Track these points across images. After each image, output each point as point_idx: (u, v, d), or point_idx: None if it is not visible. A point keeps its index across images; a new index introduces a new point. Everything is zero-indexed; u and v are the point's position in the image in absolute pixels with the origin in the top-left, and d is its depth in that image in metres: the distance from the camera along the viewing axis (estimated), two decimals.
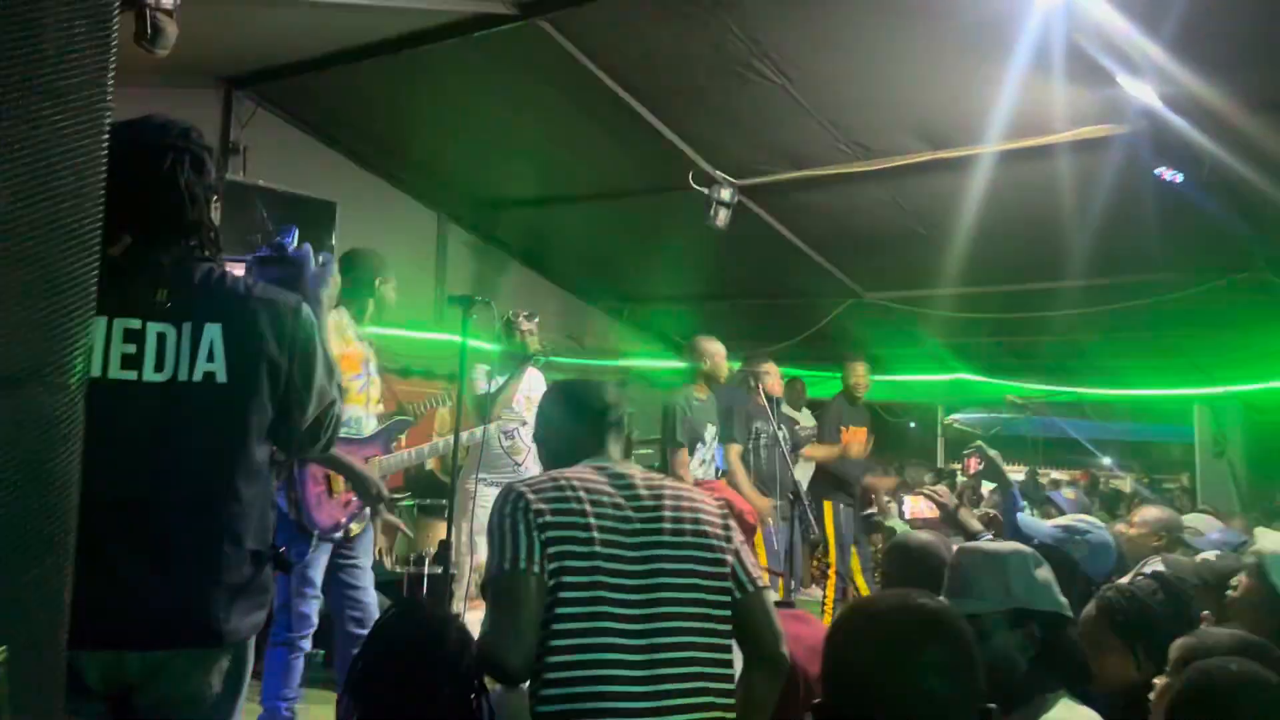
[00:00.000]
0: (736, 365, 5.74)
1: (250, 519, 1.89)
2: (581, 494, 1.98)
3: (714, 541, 2.03)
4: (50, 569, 1.11)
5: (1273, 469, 8.30)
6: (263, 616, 1.95)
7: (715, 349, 5.49)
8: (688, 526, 2.01)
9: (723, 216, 5.82)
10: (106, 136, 1.04)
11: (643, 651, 1.90)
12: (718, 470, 5.90)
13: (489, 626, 1.88)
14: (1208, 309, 5.96)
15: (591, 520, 1.95)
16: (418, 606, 2.47)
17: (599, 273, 7.81)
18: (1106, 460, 13.26)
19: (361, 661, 2.00)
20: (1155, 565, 2.86)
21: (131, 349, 1.82)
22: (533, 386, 4.45)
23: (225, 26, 4.94)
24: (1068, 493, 8.45)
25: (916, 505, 5.64)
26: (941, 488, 3.60)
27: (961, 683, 1.20)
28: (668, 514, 2.01)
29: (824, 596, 6.24)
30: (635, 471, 2.09)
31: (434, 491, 5.78)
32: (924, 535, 3.08)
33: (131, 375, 1.82)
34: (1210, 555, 2.77)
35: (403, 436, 3.96)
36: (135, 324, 1.83)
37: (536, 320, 4.45)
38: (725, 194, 5.86)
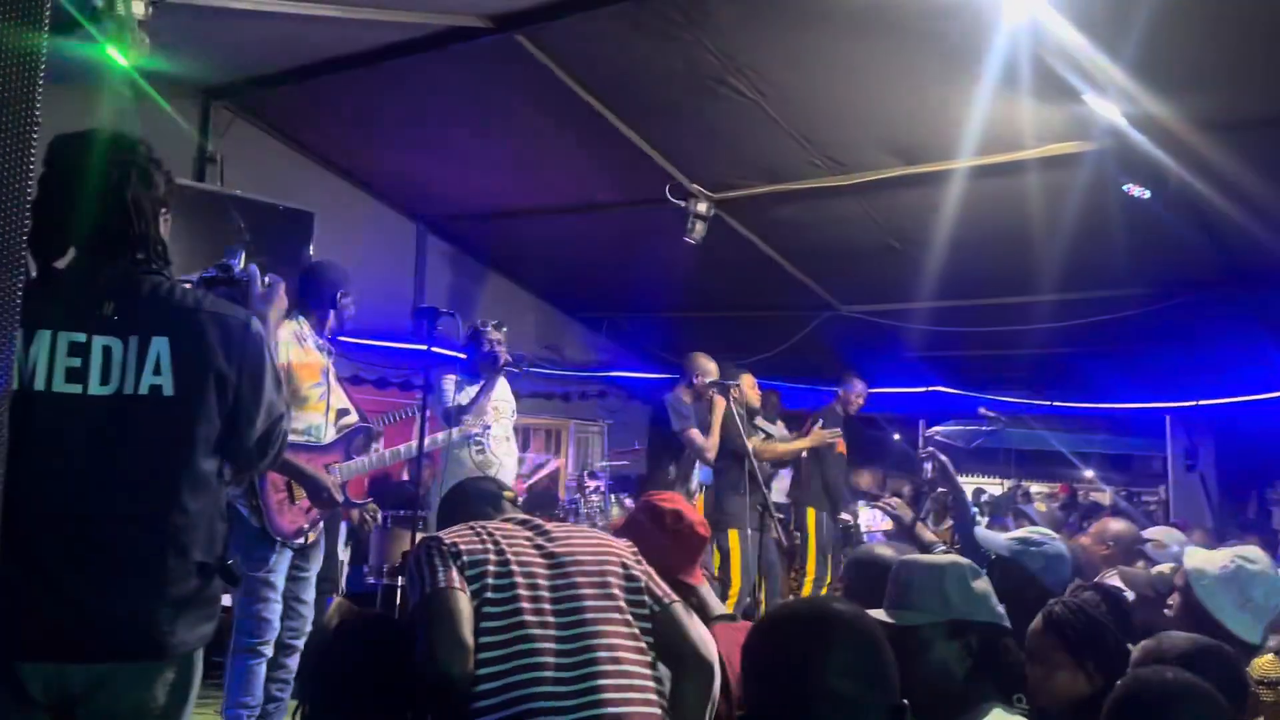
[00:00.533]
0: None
1: (197, 531, 1.89)
2: (493, 529, 2.09)
3: (626, 561, 2.12)
4: None
5: (1244, 482, 8.36)
6: (211, 628, 1.95)
7: (710, 368, 5.56)
8: (600, 549, 2.12)
9: (699, 230, 5.88)
10: (34, 154, 1.05)
11: (573, 669, 1.93)
12: (701, 485, 5.93)
13: (425, 643, 1.91)
14: (1177, 323, 6.02)
15: (505, 548, 2.04)
16: (366, 616, 2.50)
17: (578, 284, 7.83)
18: (1089, 473, 13.31)
19: (316, 670, 2.01)
20: (1111, 577, 2.90)
21: (76, 362, 1.82)
22: (501, 395, 4.47)
23: (202, 37, 4.96)
24: (1039, 506, 8.49)
25: (872, 517, 5.65)
26: (896, 499, 3.60)
27: (869, 683, 1.22)
28: (578, 542, 2.13)
29: None
30: (536, 519, 2.24)
31: (408, 503, 5.77)
32: (885, 548, 3.10)
33: (76, 389, 1.82)
34: (1165, 568, 2.80)
35: (378, 444, 3.96)
36: (80, 338, 1.83)
37: (505, 330, 4.47)
38: (701, 207, 5.91)
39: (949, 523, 4.60)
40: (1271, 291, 5.61)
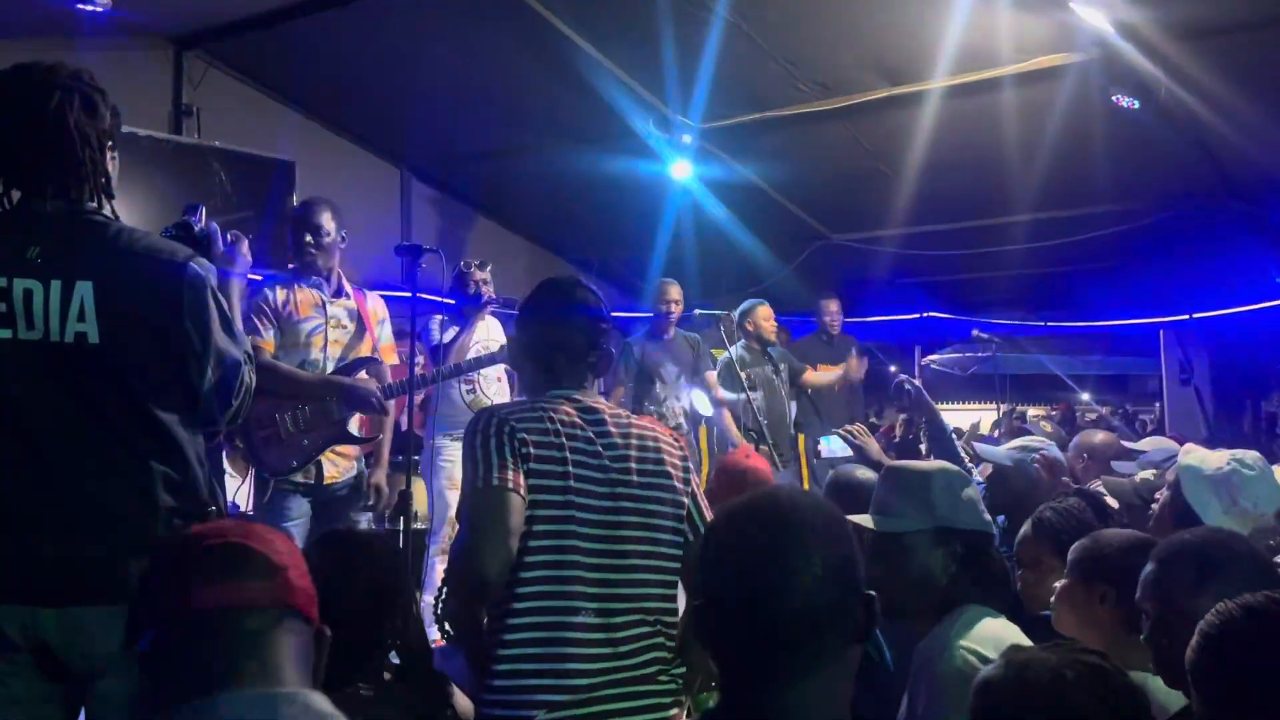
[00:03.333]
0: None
1: (160, 476, 1.84)
2: (559, 426, 1.97)
3: (674, 484, 2.04)
4: None
5: (1239, 394, 8.39)
6: None
7: (669, 293, 5.56)
8: (650, 468, 2.02)
9: (685, 163, 5.84)
10: None
11: (601, 585, 1.92)
12: (684, 412, 5.92)
13: (466, 538, 1.86)
14: (1169, 236, 5.99)
15: (568, 454, 1.95)
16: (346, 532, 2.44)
17: (565, 223, 7.75)
18: (1084, 395, 13.38)
19: None
20: (1095, 486, 2.92)
21: (3, 307, 1.77)
22: (490, 335, 4.44)
23: None
24: (1045, 426, 8.52)
25: (831, 444, 5.61)
26: (858, 426, 3.59)
27: (837, 570, 1.18)
28: (634, 454, 2.02)
29: None
30: (603, 406, 2.08)
31: (400, 447, 5.76)
32: (863, 470, 3.11)
33: (7, 334, 1.78)
34: (1149, 474, 2.81)
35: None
36: (1, 282, 1.77)
37: (489, 269, 4.41)
38: (687, 138, 5.85)
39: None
40: (1263, 199, 5.58)
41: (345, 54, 5.71)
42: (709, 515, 2.05)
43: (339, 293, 3.69)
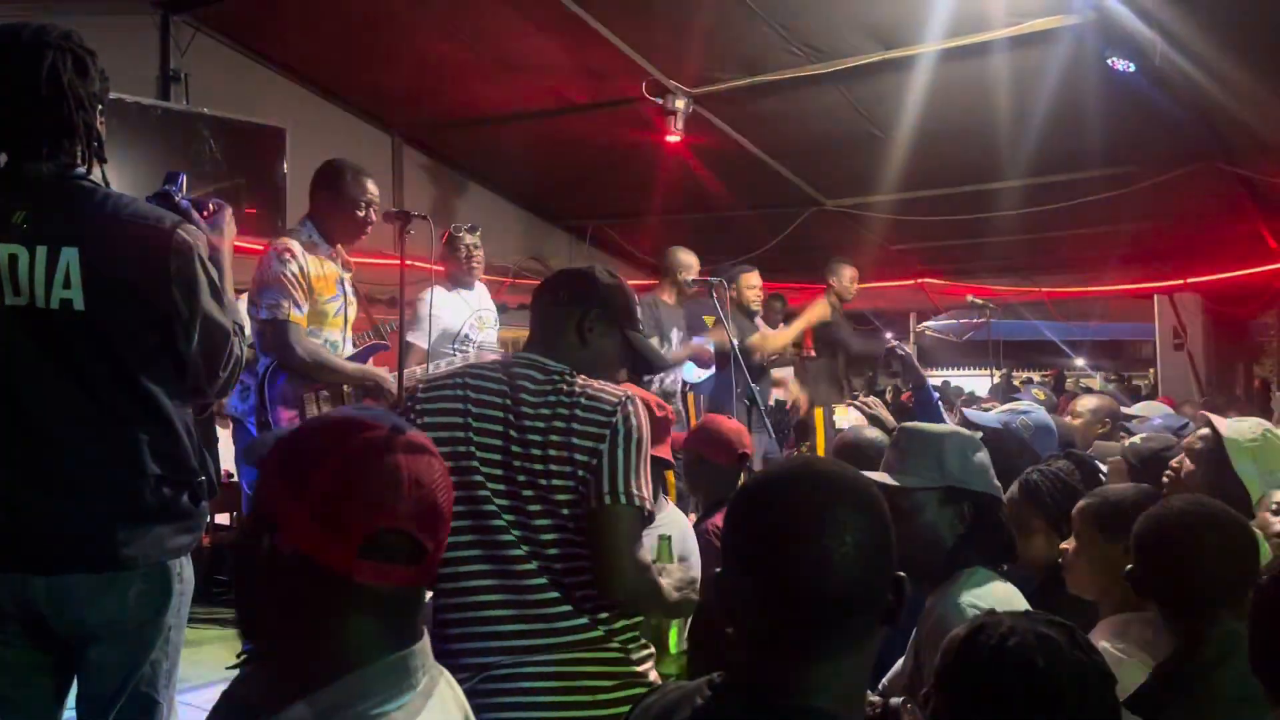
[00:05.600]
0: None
1: (146, 445, 1.84)
2: (469, 393, 1.95)
3: (573, 454, 1.88)
4: None
5: (1232, 359, 8.40)
6: (186, 541, 1.91)
7: (681, 260, 5.46)
8: (556, 439, 1.89)
9: (678, 127, 5.79)
10: None
11: (511, 551, 1.88)
12: (685, 382, 5.93)
13: None
14: (1164, 202, 5.96)
15: (470, 419, 1.92)
16: None
17: (559, 190, 7.70)
18: (1079, 361, 13.42)
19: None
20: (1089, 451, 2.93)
21: None
22: (483, 305, 4.40)
23: None
24: (1038, 392, 8.55)
25: (846, 415, 5.62)
26: (872, 398, 3.62)
27: (872, 548, 1.12)
28: (542, 422, 1.91)
29: None
30: (538, 371, 1.96)
31: None
32: (871, 431, 3.14)
33: None
34: (1137, 439, 2.82)
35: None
36: None
37: (479, 233, 4.35)
38: (680, 104, 5.81)
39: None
40: (1257, 163, 5.55)
41: (335, 19, 5.65)
42: (618, 485, 1.86)
43: (344, 266, 3.47)
